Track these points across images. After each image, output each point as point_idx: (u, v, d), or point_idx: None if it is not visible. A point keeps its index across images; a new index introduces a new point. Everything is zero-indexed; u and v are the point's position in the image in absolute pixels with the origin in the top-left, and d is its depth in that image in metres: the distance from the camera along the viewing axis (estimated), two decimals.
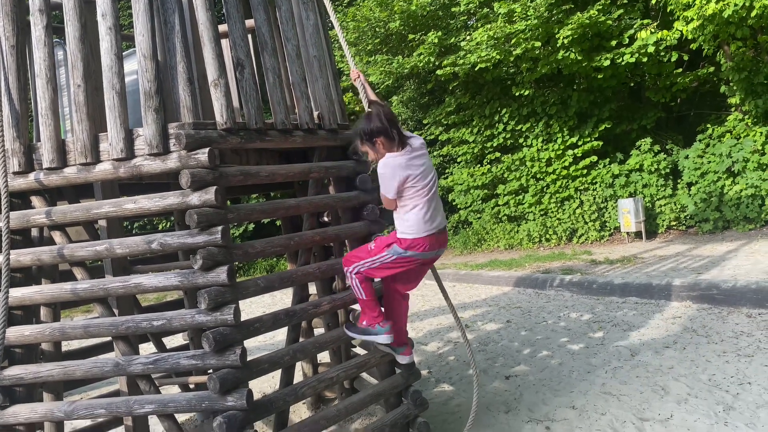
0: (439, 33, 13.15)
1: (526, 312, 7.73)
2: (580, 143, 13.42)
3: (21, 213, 3.32)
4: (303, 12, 3.78)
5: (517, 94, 13.61)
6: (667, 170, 12.43)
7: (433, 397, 4.95)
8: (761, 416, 3.82)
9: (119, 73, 3.12)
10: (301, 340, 4.13)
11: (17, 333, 3.23)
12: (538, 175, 13.87)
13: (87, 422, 4.78)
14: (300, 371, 5.15)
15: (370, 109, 3.37)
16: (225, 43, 3.98)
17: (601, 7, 11.47)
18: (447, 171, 16.44)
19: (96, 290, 3.20)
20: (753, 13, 9.29)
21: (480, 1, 12.98)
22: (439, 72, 13.33)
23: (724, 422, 3.81)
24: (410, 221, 3.25)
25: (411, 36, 14.11)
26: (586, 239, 13.03)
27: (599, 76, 12.24)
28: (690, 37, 10.73)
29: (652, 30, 11.34)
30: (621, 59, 11.52)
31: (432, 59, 13.47)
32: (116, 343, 3.28)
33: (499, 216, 14.53)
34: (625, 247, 11.75)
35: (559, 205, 13.58)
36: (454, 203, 15.71)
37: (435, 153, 16.83)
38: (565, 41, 11.33)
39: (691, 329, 5.91)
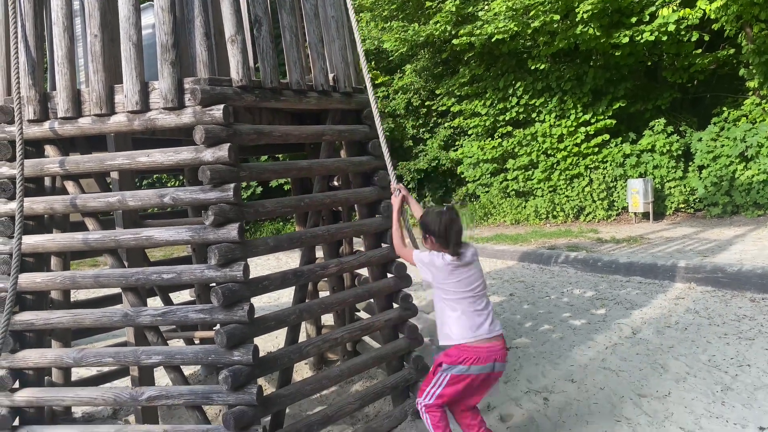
0: (457, 1, 12.93)
1: (530, 286, 7.76)
2: (593, 121, 13.28)
3: (35, 161, 3.34)
4: None
5: (532, 68, 13.44)
6: (679, 152, 12.32)
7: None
8: (758, 397, 3.86)
9: (136, 24, 3.10)
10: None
11: (29, 279, 3.27)
12: (548, 151, 13.76)
13: (92, 371, 4.90)
14: (304, 335, 5.22)
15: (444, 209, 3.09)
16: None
17: None
18: (457, 143, 16.34)
19: (107, 241, 3.23)
20: None
21: None
22: (455, 41, 13.14)
23: (722, 401, 3.85)
24: (451, 324, 3.02)
25: (428, 3, 13.88)
26: (593, 218, 13.00)
27: (617, 54, 12.04)
28: (713, 16, 10.52)
29: (675, 8, 11.10)
30: (640, 37, 11.31)
31: (449, 28, 13.27)
32: (125, 294, 3.32)
33: (507, 191, 14.47)
34: (632, 227, 11.73)
35: (568, 182, 13.51)
36: (462, 176, 15.65)
37: (446, 125, 16.71)
38: (585, 16, 11.13)
39: (694, 311, 5.93)
